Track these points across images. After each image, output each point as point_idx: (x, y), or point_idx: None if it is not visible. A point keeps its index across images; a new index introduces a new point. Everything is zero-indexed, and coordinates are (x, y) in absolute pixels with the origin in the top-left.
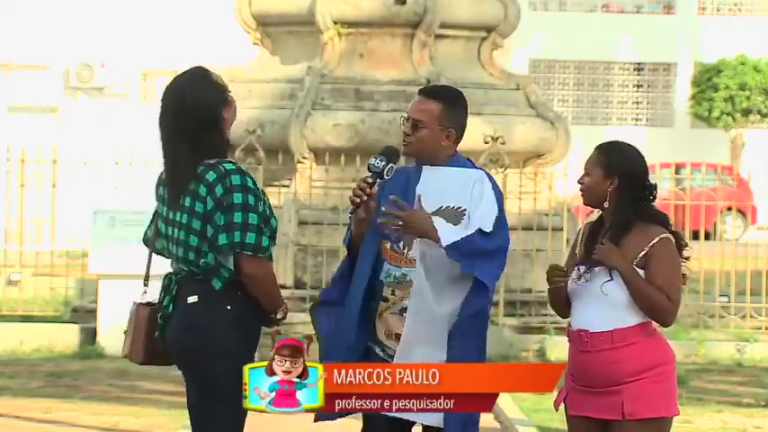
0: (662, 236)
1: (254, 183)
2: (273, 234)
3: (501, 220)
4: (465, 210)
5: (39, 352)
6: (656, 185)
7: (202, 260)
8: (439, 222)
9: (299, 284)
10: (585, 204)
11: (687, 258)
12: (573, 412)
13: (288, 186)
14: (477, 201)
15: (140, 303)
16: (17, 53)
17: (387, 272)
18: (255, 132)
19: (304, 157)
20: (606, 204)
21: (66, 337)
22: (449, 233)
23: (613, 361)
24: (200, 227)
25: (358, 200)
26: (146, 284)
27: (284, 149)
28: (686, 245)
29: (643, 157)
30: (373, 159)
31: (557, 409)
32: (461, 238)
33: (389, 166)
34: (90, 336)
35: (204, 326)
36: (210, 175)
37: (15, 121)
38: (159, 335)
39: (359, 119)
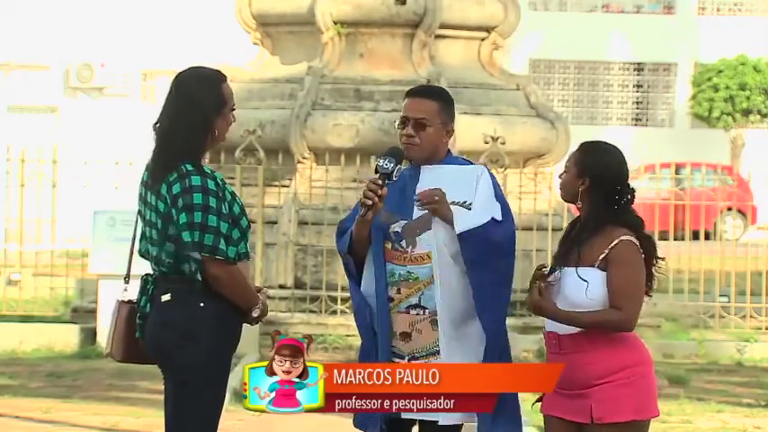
0: (622, 238)
1: (218, 185)
2: (244, 234)
3: (506, 208)
4: (471, 204)
5: (39, 352)
6: (633, 189)
7: (167, 259)
8: (456, 209)
9: (299, 284)
10: (562, 199)
11: (656, 262)
12: (547, 411)
13: (288, 186)
14: (482, 193)
15: (121, 301)
16: (17, 53)
17: (390, 271)
18: (255, 132)
19: (304, 157)
20: (579, 204)
21: (67, 337)
22: (463, 220)
23: (581, 363)
24: (162, 225)
25: (370, 202)
26: (126, 282)
27: (284, 149)
28: (660, 258)
29: (621, 161)
30: (381, 161)
31: (533, 407)
32: (476, 227)
33: (398, 167)
34: (90, 336)
35: (179, 322)
36: (171, 175)
37: (15, 121)
38: (139, 335)
39: (359, 119)
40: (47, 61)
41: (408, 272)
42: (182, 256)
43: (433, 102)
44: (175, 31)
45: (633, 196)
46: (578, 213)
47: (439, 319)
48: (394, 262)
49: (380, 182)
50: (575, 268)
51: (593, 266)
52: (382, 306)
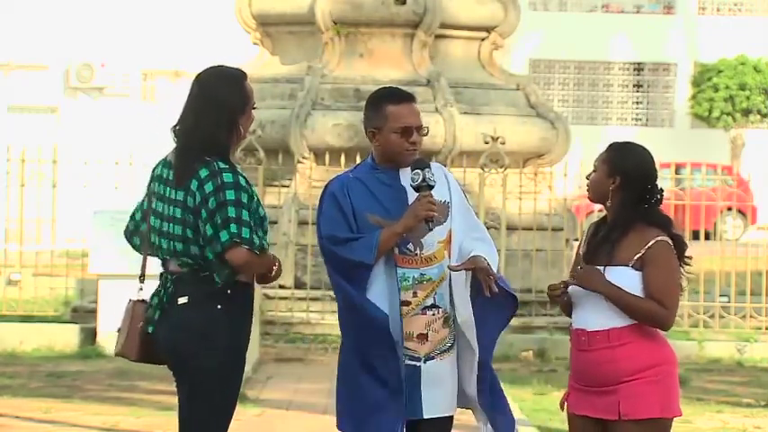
0: (658, 238)
1: (248, 182)
2: (264, 236)
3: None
4: (449, 202)
5: (39, 352)
6: (661, 189)
7: (208, 253)
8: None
9: (299, 284)
10: (590, 200)
11: (687, 263)
12: (572, 411)
13: (288, 186)
14: (457, 196)
15: (136, 301)
16: (17, 53)
17: (402, 276)
18: (255, 132)
19: (304, 157)
20: (608, 203)
21: (67, 337)
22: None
23: (610, 360)
24: (193, 220)
25: (436, 214)
26: (141, 281)
27: (284, 149)
28: (689, 257)
29: (650, 161)
30: (427, 173)
31: (562, 409)
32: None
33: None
34: (90, 336)
35: (196, 326)
36: (203, 171)
37: (15, 121)
38: (152, 329)
39: (359, 119)
40: (47, 61)
41: (421, 274)
42: (208, 250)
43: (416, 105)
44: (175, 31)
45: (662, 196)
46: (605, 215)
47: (458, 314)
48: (405, 266)
49: (431, 195)
50: (601, 268)
51: (626, 266)
52: (396, 312)
